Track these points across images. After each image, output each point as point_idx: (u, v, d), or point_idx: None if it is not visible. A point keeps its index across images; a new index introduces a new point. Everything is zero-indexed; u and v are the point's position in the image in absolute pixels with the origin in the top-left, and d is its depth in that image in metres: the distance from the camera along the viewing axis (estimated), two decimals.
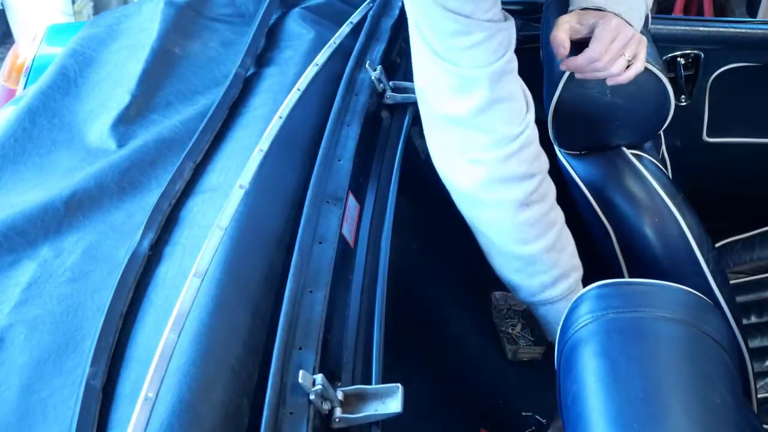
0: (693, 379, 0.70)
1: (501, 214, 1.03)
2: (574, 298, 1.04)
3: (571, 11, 1.08)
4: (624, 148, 1.13)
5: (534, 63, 1.36)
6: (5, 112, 1.27)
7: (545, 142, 1.28)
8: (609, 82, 1.04)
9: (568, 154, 1.19)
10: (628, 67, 1.02)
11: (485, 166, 1.01)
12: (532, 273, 1.05)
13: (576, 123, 1.13)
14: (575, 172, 1.17)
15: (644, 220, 1.08)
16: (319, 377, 0.73)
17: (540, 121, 1.28)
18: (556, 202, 1.08)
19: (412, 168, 1.26)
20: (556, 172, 1.23)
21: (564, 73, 1.08)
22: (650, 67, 1.04)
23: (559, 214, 1.08)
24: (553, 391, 0.80)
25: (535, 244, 1.04)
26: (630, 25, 1.04)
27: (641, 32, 1.07)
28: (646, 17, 1.20)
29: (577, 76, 1.06)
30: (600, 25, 1.02)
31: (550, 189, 1.07)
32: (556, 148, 1.22)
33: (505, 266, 1.07)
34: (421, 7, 0.97)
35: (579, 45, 1.03)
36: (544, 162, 1.07)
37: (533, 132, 1.05)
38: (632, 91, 1.05)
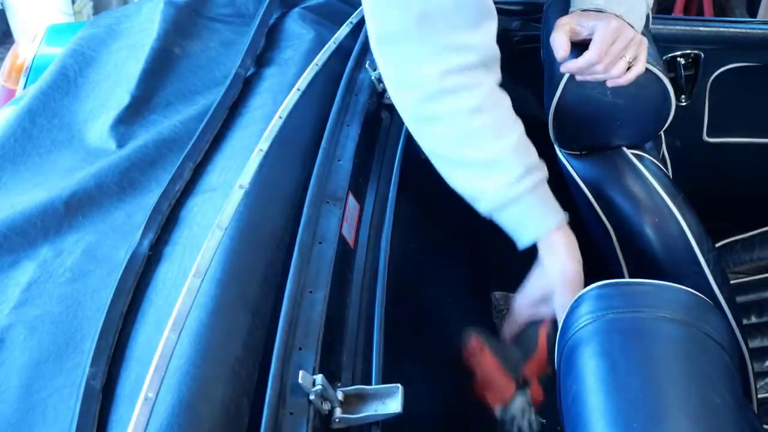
0: (693, 379, 0.70)
1: (455, 124, 0.98)
2: (541, 190, 1.01)
3: (572, 12, 1.08)
4: (624, 148, 1.13)
5: (534, 63, 1.36)
6: (5, 112, 1.27)
7: (545, 143, 1.28)
8: (609, 84, 1.03)
9: (569, 154, 1.19)
10: (628, 68, 1.02)
11: (429, 80, 0.96)
12: (495, 173, 0.99)
13: (576, 123, 1.13)
14: (575, 171, 1.17)
15: (645, 220, 1.08)
16: (319, 377, 0.73)
17: (540, 122, 1.28)
18: (515, 113, 1.02)
19: (412, 168, 1.26)
20: (556, 171, 1.23)
21: (564, 73, 1.08)
22: (651, 67, 1.04)
23: (519, 123, 1.02)
24: (553, 391, 0.81)
25: (495, 144, 0.99)
26: (631, 26, 1.04)
27: (642, 33, 1.07)
28: (647, 17, 1.20)
29: (577, 77, 1.06)
30: (600, 28, 1.02)
31: (505, 98, 1.02)
32: (557, 148, 1.22)
33: (465, 177, 1.01)
34: None
35: (579, 47, 1.03)
36: (496, 73, 1.02)
37: (490, 50, 1.00)
38: (633, 92, 1.05)
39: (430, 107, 0.98)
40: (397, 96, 1.01)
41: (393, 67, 1.00)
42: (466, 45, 0.98)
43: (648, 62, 1.04)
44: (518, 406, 1.04)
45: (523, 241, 1.04)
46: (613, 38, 1.00)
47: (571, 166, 1.18)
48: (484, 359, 1.05)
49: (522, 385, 1.06)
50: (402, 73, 0.99)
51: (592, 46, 1.01)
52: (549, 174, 1.10)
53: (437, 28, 0.95)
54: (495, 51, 1.02)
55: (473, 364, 1.04)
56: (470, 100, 0.98)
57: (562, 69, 1.06)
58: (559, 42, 1.03)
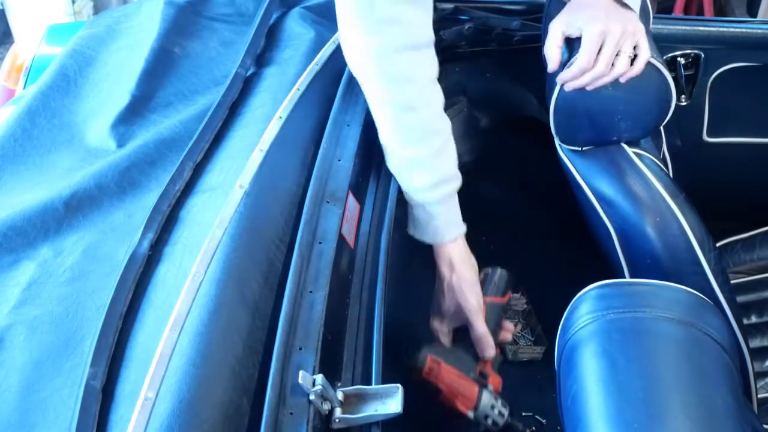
0: (693, 379, 0.70)
1: (389, 116, 1.05)
2: (450, 204, 1.09)
3: (564, 10, 1.08)
4: (626, 147, 1.13)
5: (534, 63, 1.36)
6: (5, 112, 1.27)
7: (546, 143, 1.28)
8: (622, 80, 1.03)
9: (570, 151, 1.19)
10: (633, 61, 1.01)
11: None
12: (412, 173, 1.07)
13: (577, 117, 1.12)
14: (577, 170, 1.17)
15: (646, 220, 1.07)
16: (319, 377, 0.73)
17: (540, 122, 1.27)
18: (444, 113, 1.08)
19: None
20: (557, 170, 1.23)
21: (565, 65, 1.07)
22: (651, 60, 1.04)
23: (446, 124, 1.09)
24: (553, 391, 0.81)
25: (419, 147, 1.05)
26: (627, 6, 1.03)
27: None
28: (648, 16, 1.20)
29: (588, 88, 1.05)
30: (585, 33, 1.01)
31: (436, 97, 1.07)
32: (558, 146, 1.22)
33: (392, 163, 1.08)
34: None
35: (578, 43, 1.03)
36: (431, 69, 1.07)
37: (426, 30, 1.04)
38: (633, 85, 1.05)
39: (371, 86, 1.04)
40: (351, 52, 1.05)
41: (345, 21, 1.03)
42: (401, 19, 1.00)
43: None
44: (486, 403, 1.09)
45: (420, 238, 1.11)
46: (599, 42, 1.00)
47: (573, 165, 1.18)
48: (444, 372, 1.10)
49: (482, 381, 1.12)
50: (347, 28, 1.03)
51: (580, 54, 1.01)
52: (550, 173, 1.10)
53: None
54: (431, 33, 1.05)
55: (436, 380, 1.09)
56: (403, 96, 1.03)
57: (559, 81, 1.06)
58: (550, 53, 1.04)
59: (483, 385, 1.11)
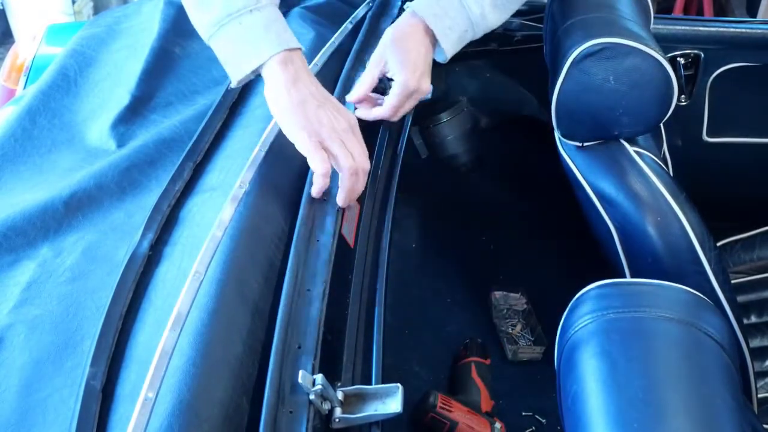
0: (693, 379, 0.70)
1: None
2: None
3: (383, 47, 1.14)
4: (627, 145, 1.13)
5: (534, 63, 1.36)
6: (5, 112, 1.27)
7: (546, 143, 1.28)
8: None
9: (571, 148, 1.18)
10: None
11: None
12: None
13: (579, 111, 1.12)
14: (578, 168, 1.16)
15: (647, 219, 1.07)
16: (319, 377, 0.73)
17: (540, 122, 1.27)
18: None
19: (412, 168, 1.26)
20: (557, 169, 1.23)
21: (567, 60, 1.07)
22: (653, 53, 1.04)
23: None
24: (553, 391, 0.81)
25: None
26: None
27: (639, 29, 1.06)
28: (648, 16, 1.20)
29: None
30: (396, 85, 1.11)
31: None
32: (558, 144, 1.22)
33: None
34: None
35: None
36: None
37: None
38: (635, 78, 1.05)
39: None
40: None
41: None
42: None
43: (651, 48, 1.04)
44: None
45: (266, 52, 0.99)
46: (405, 100, 1.12)
47: (573, 163, 1.18)
48: (455, 407, 1.16)
49: (490, 420, 1.19)
50: None
51: (386, 106, 1.12)
52: (550, 172, 1.10)
53: None
54: None
55: (449, 414, 1.15)
56: None
57: (362, 114, 1.14)
58: (358, 88, 1.13)
59: (491, 423, 1.18)
